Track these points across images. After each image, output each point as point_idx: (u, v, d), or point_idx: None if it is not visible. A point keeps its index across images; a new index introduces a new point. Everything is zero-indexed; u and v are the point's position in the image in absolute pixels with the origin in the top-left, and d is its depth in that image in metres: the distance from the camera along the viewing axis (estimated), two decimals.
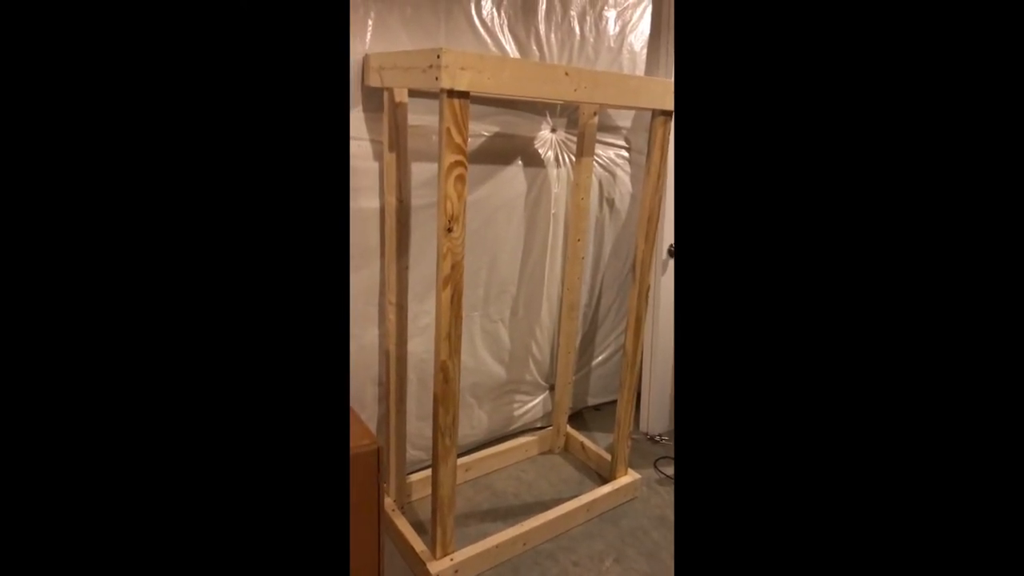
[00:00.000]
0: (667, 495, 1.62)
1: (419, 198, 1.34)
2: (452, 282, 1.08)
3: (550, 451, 1.79)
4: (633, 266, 1.43)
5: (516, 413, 1.78)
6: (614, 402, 1.63)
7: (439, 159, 1.01)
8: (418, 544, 1.28)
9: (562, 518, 1.44)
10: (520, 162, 1.52)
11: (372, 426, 1.45)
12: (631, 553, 1.39)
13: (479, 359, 1.61)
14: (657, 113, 1.30)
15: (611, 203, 1.75)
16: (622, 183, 1.75)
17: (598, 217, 1.74)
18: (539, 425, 1.84)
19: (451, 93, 0.97)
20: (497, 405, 1.71)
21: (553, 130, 1.58)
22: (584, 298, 1.81)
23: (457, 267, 1.07)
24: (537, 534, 1.39)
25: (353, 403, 1.40)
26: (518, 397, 1.76)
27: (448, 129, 0.99)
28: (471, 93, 0.99)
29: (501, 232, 1.53)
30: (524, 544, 1.37)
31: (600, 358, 1.95)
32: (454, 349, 1.12)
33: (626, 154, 1.73)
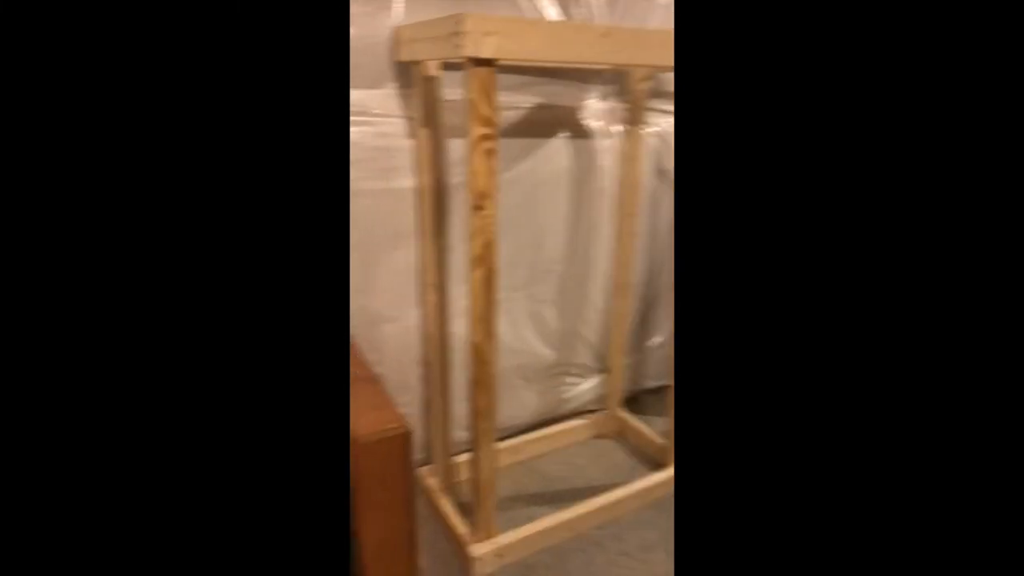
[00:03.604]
0: None
1: (458, 176, 1.31)
2: (485, 262, 1.04)
3: (603, 435, 1.73)
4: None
5: (567, 395, 1.73)
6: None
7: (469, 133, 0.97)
8: (460, 527, 1.27)
9: (612, 505, 1.38)
10: (564, 134, 1.44)
11: (416, 408, 1.45)
12: None
13: (524, 340, 1.57)
14: None
15: (666, 174, 1.64)
16: None
17: (653, 190, 1.63)
18: (592, 408, 1.78)
19: (476, 61, 0.92)
20: (546, 387, 1.67)
21: (603, 99, 1.49)
22: (639, 276, 1.72)
23: (489, 246, 1.03)
24: (585, 520, 1.35)
25: (396, 386, 1.41)
26: (569, 379, 1.71)
27: (474, 100, 0.94)
28: (499, 61, 0.93)
29: (544, 209, 1.47)
30: (571, 530, 1.33)
31: (658, 339, 1.86)
32: (489, 331, 1.08)
33: None
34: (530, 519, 1.37)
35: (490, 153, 0.98)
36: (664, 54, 1.07)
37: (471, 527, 1.25)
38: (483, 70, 0.93)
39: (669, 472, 1.48)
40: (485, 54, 0.91)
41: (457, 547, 1.27)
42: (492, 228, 1.02)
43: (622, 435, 1.74)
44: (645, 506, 1.44)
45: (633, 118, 1.43)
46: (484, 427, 1.14)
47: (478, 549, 1.21)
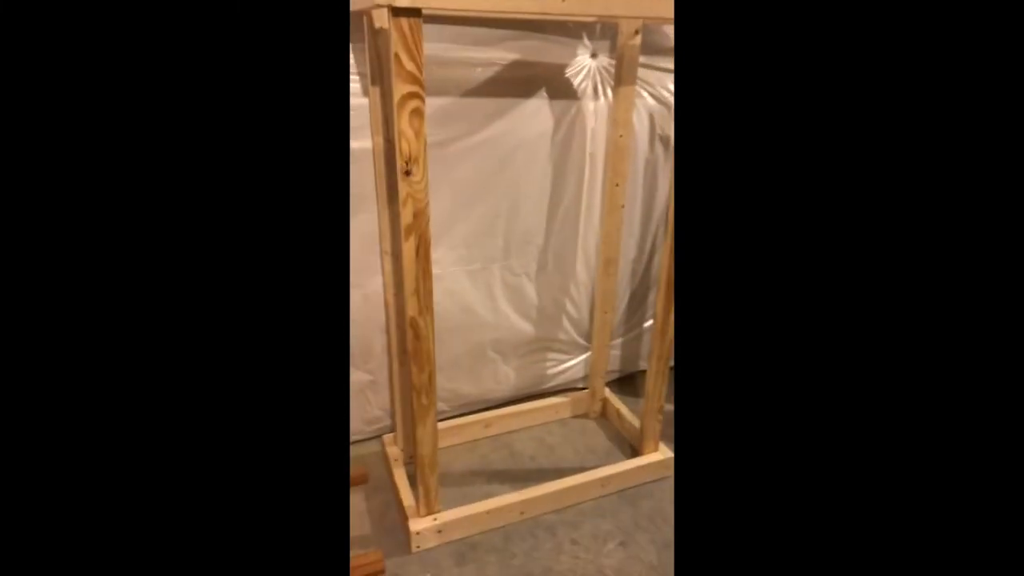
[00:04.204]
0: None
1: (437, 135, 1.23)
2: (416, 231, 0.97)
3: (585, 415, 1.66)
4: (667, 215, 1.21)
5: (550, 371, 1.66)
6: (671, 368, 1.45)
7: (392, 91, 0.89)
8: (408, 499, 1.25)
9: (571, 490, 1.32)
10: (545, 94, 1.33)
11: (381, 376, 1.43)
12: (641, 539, 1.25)
13: (500, 314, 1.50)
14: None
15: (666, 142, 1.50)
16: None
17: (648, 158, 1.50)
18: (581, 387, 1.71)
19: (397, 11, 0.83)
20: (526, 363, 1.61)
21: (593, 55, 1.36)
22: (632, 252, 1.60)
23: (421, 215, 0.96)
24: (539, 504, 1.30)
25: (360, 353, 1.39)
26: (552, 355, 1.64)
27: (397, 55, 0.86)
28: (424, 10, 0.85)
29: (521, 175, 1.37)
30: (522, 513, 1.28)
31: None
32: (424, 306, 1.03)
33: None
34: (486, 496, 1.33)
35: (417, 113, 0.90)
36: (646, 3, 0.94)
37: (415, 501, 1.23)
38: (407, 21, 0.84)
39: (638, 461, 1.40)
40: (405, 2, 0.82)
41: (402, 520, 1.25)
42: (423, 195, 0.95)
43: (604, 416, 1.66)
44: (609, 494, 1.37)
45: (622, 77, 1.30)
46: (423, 403, 1.10)
47: (417, 524, 1.19)
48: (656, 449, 1.43)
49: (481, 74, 1.25)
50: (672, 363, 1.40)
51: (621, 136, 1.35)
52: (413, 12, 0.84)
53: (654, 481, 1.42)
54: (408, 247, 0.98)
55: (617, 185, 1.39)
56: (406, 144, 0.91)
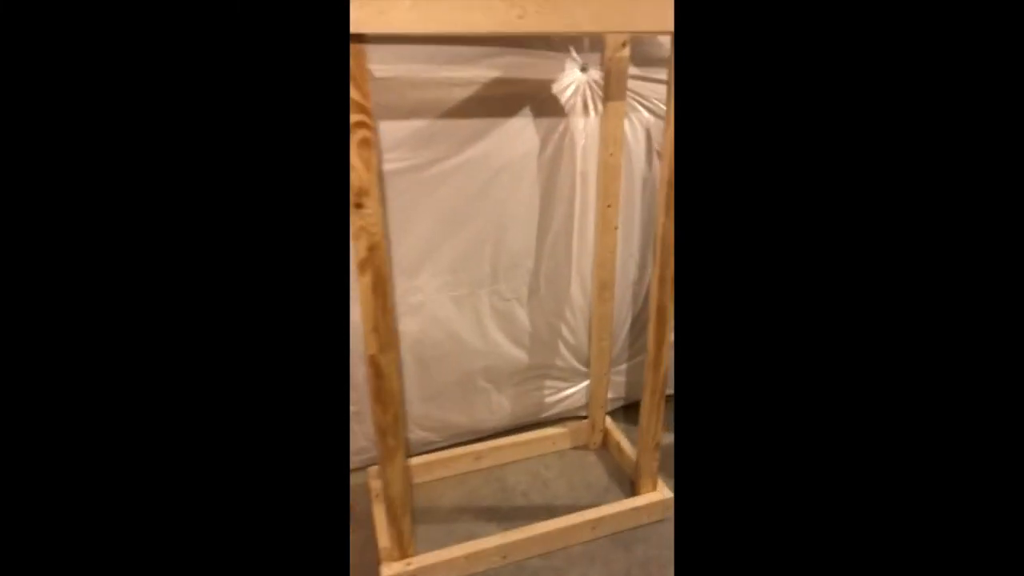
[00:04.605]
0: None
1: (395, 161, 1.18)
2: (371, 266, 0.92)
3: (585, 447, 1.57)
4: (653, 243, 1.12)
5: (549, 400, 1.58)
6: (668, 399, 1.35)
7: None
8: (384, 539, 1.20)
9: (559, 532, 1.24)
10: (530, 112, 1.26)
11: (364, 406, 1.38)
12: None
13: (490, 341, 1.43)
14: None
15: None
16: None
17: (646, 177, 1.41)
18: (583, 415, 1.62)
19: None
20: (522, 391, 1.53)
21: (583, 69, 1.28)
22: (633, 274, 1.51)
23: (376, 249, 0.91)
24: (523, 547, 1.22)
25: None
26: (550, 383, 1.56)
27: None
28: (369, 35, 0.79)
29: (507, 197, 1.30)
30: (504, 557, 1.21)
31: None
32: (385, 343, 0.97)
33: None
34: (470, 535, 1.27)
35: (365, 144, 0.85)
36: (588, 15, 0.86)
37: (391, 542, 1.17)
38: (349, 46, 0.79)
39: (634, 502, 1.30)
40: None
41: (376, 561, 1.20)
42: (377, 228, 0.90)
43: (605, 448, 1.57)
44: (602, 538, 1.28)
45: (610, 92, 1.22)
46: (389, 444, 1.05)
47: (390, 568, 1.13)
48: (654, 488, 1.33)
49: (459, 94, 1.19)
50: (671, 392, 1.30)
51: (611, 155, 1.26)
52: (356, 38, 0.79)
53: (651, 524, 1.32)
54: (364, 283, 0.93)
55: (609, 206, 1.31)
56: (356, 176, 0.86)
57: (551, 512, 1.35)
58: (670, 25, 0.89)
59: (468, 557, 1.18)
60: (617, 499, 1.37)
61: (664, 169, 1.06)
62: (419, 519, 1.33)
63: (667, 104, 1.02)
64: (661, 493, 1.32)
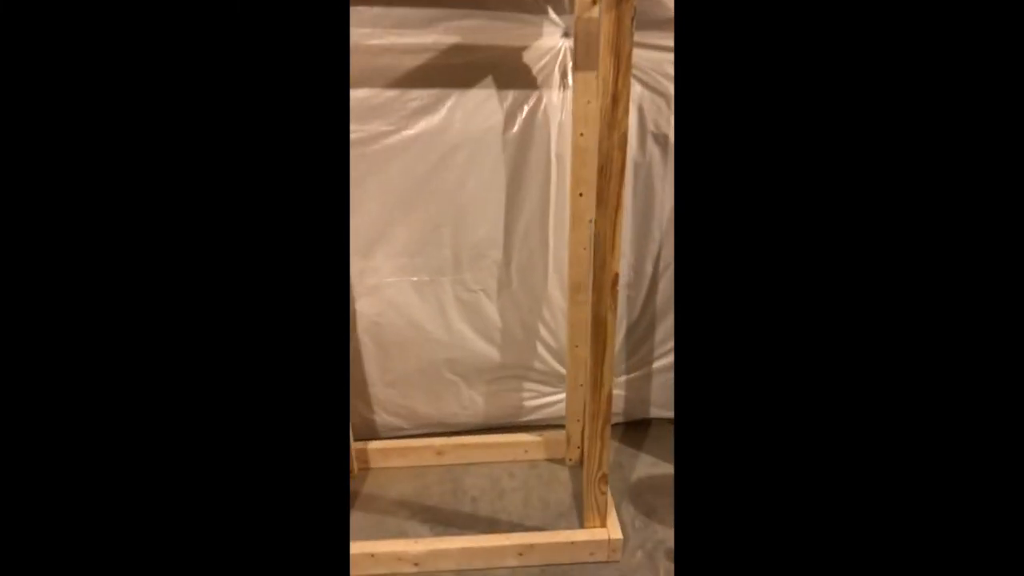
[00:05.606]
0: None
1: (358, 131, 1.12)
2: None
3: (561, 461, 1.42)
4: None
5: (529, 404, 1.45)
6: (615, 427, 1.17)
7: None
8: None
9: (481, 551, 1.13)
10: (493, 83, 1.12)
11: None
12: None
13: (455, 333, 1.33)
14: None
15: (662, 141, 1.17)
16: None
17: (639, 161, 1.19)
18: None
19: None
20: (495, 390, 1.42)
21: (566, 34, 1.11)
22: (626, 275, 1.30)
23: None
24: (439, 559, 1.13)
25: None
26: (529, 386, 1.42)
27: None
28: None
29: (465, 178, 1.18)
30: (416, 565, 1.13)
31: (666, 360, 1.42)
32: None
33: None
34: (400, 533, 1.21)
35: None
36: None
37: None
38: None
39: (571, 536, 1.14)
40: None
41: None
42: None
43: (581, 466, 1.40)
44: (532, 566, 1.14)
45: (580, 60, 1.03)
46: None
47: None
48: (602, 524, 1.15)
49: (410, 62, 1.09)
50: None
51: (582, 135, 1.08)
52: None
53: (593, 564, 1.14)
54: None
55: (581, 195, 1.13)
56: None
57: (492, 526, 1.24)
58: None
59: (375, 556, 1.12)
60: (570, 527, 1.22)
61: (601, 153, 0.87)
62: (357, 506, 1.30)
63: (599, 66, 0.83)
64: (608, 532, 1.14)
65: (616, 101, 0.83)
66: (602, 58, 0.81)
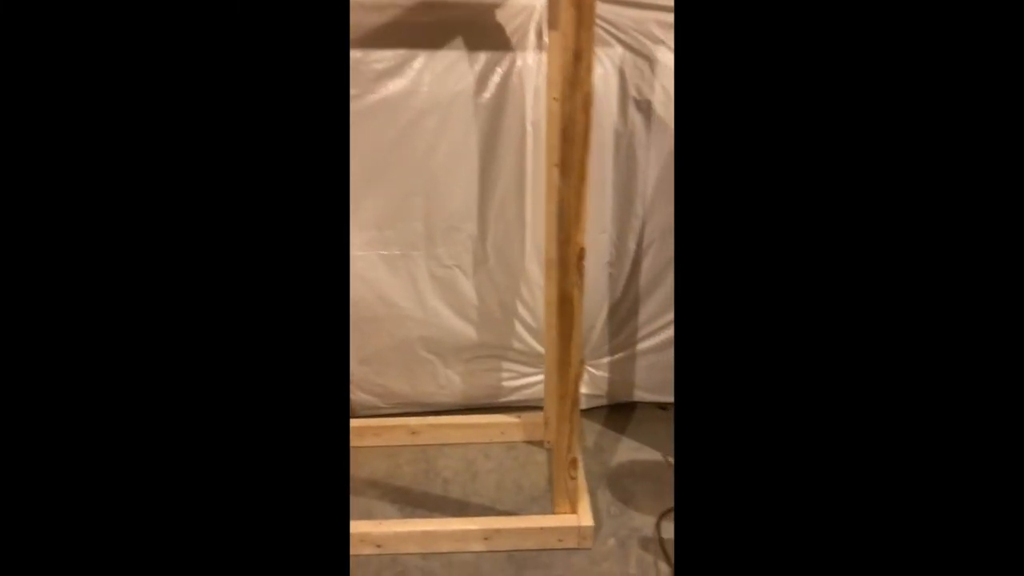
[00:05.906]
0: (643, 567, 1.07)
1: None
2: None
3: (540, 443, 1.37)
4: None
5: (509, 384, 1.40)
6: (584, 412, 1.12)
7: None
8: None
9: (445, 535, 1.09)
10: (463, 44, 1.05)
11: None
12: None
13: (429, 309, 1.28)
14: None
15: (645, 108, 1.10)
16: (667, 75, 1.06)
17: (620, 131, 1.12)
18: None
19: None
20: (472, 369, 1.37)
21: None
22: (607, 253, 1.24)
23: None
24: (402, 541, 1.09)
25: None
26: (508, 366, 1.38)
27: None
28: None
29: (434, 146, 1.12)
30: (379, 546, 1.09)
31: (651, 341, 1.35)
32: None
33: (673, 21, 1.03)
34: (366, 514, 1.18)
35: None
36: None
37: None
38: None
39: (540, 521, 1.10)
40: None
41: None
42: None
43: None
44: (496, 552, 1.10)
45: (554, 17, 0.96)
46: None
47: None
48: (572, 511, 1.10)
49: (373, 19, 1.03)
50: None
51: (555, 99, 1.01)
52: None
53: (565, 550, 1.10)
54: None
55: (556, 165, 1.06)
56: None
57: (462, 509, 1.20)
58: None
59: None
60: (543, 512, 1.18)
61: (551, 125, 0.81)
62: None
63: (551, 32, 0.76)
64: (579, 519, 1.09)
65: (579, 57, 0.76)
66: (563, 8, 0.74)
